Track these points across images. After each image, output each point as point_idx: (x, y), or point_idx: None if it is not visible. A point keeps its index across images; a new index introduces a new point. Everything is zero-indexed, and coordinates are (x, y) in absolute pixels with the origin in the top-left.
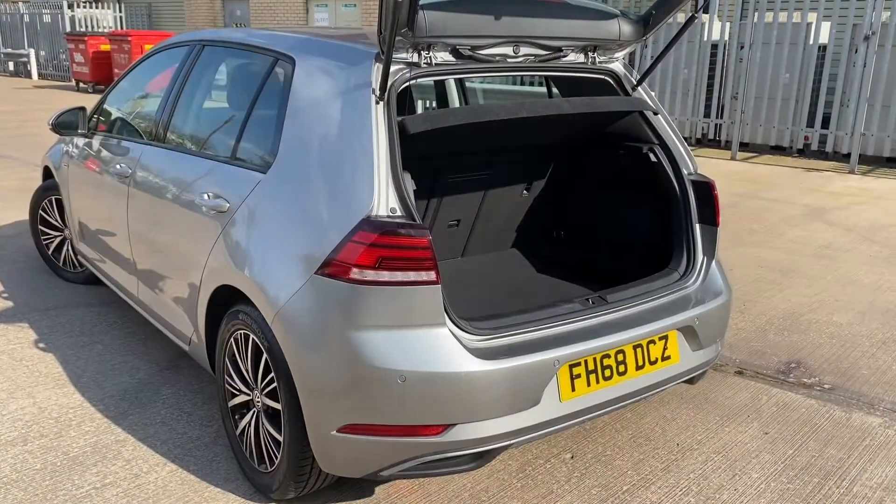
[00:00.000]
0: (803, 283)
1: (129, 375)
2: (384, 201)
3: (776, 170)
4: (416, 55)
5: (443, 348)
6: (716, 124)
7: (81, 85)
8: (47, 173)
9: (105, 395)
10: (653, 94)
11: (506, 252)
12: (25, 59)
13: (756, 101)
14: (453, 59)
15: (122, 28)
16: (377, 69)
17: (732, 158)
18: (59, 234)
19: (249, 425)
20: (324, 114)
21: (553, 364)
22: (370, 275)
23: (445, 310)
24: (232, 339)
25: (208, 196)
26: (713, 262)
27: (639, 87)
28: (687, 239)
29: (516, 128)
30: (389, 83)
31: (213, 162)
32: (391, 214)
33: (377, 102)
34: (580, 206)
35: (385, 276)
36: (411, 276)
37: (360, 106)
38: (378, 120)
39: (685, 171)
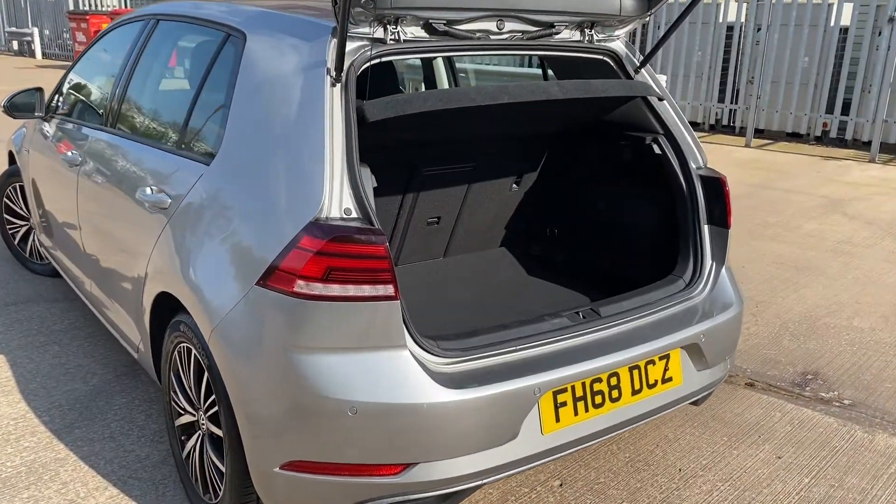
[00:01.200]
0: (821, 283)
1: (83, 381)
2: (337, 201)
3: (793, 158)
4: (380, 30)
5: (402, 375)
6: (730, 110)
7: None
8: (12, 158)
9: (53, 404)
10: (659, 77)
11: (493, 251)
12: (29, 39)
13: (773, 85)
14: (426, 34)
15: (125, 7)
16: (333, 46)
17: (747, 146)
18: (25, 223)
19: (195, 449)
20: (273, 98)
21: (534, 392)
22: (318, 288)
23: (407, 329)
24: (176, 353)
25: (151, 190)
26: (723, 269)
27: (642, 70)
28: (694, 242)
29: (501, 115)
30: (347, 63)
31: (159, 151)
32: (345, 217)
33: (333, 85)
34: (576, 201)
35: (335, 289)
36: (365, 290)
37: (312, 89)
38: (332, 105)
39: (693, 165)
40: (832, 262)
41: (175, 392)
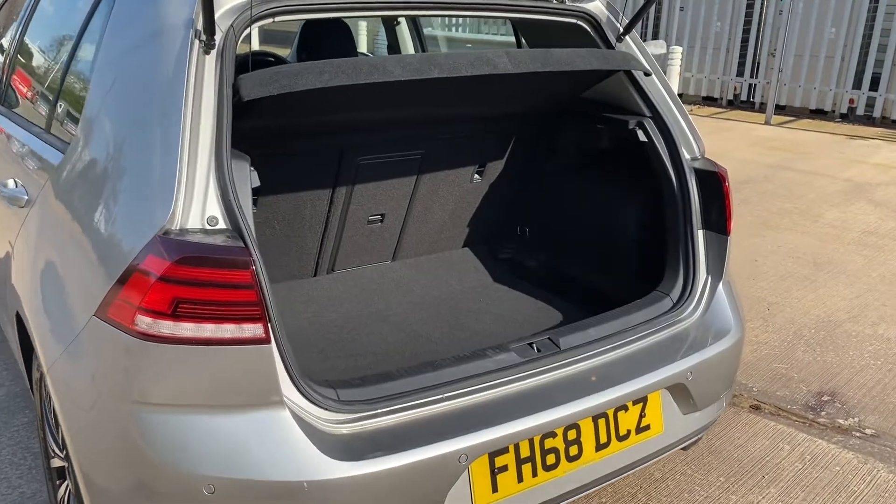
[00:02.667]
0: (842, 281)
1: None
2: (198, 207)
3: (815, 136)
4: None
5: (278, 442)
6: (750, 84)
7: None
8: None
9: None
10: (653, 46)
11: (453, 253)
12: None
13: (796, 58)
14: None
15: None
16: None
17: (766, 123)
18: None
19: (66, 498)
20: (132, 69)
21: (459, 459)
22: (165, 326)
23: (290, 377)
24: (40, 385)
25: (14, 182)
26: (720, 285)
27: (626, 38)
28: (685, 250)
29: (450, 93)
30: (225, 24)
31: (29, 133)
32: (208, 227)
33: (206, 52)
34: (549, 197)
35: (186, 328)
36: (227, 329)
37: (172, 58)
38: (200, 80)
39: (686, 155)
40: (855, 257)
41: (49, 428)
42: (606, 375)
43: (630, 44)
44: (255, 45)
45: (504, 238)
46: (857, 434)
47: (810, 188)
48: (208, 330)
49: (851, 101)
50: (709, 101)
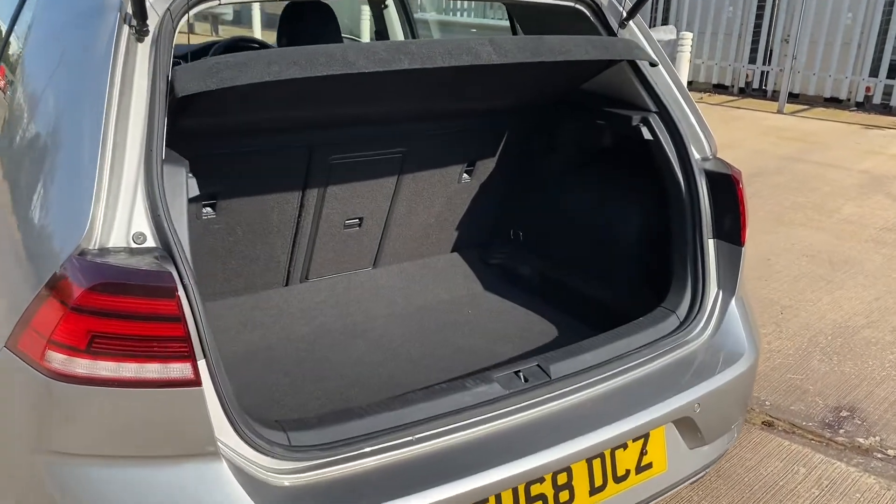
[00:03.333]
0: (860, 282)
1: None
2: (123, 221)
3: (830, 126)
4: None
5: (212, 499)
6: (762, 71)
7: None
8: None
9: None
10: (662, 33)
11: (441, 259)
12: None
13: (811, 45)
14: None
15: None
16: None
17: (779, 111)
18: None
19: None
20: (53, 58)
21: None
22: (81, 364)
23: (230, 421)
24: None
25: None
26: (733, 301)
27: (630, 23)
28: (693, 262)
29: (432, 85)
30: (161, 8)
31: None
32: (133, 246)
33: (139, 40)
34: (545, 198)
35: (104, 368)
36: (151, 370)
37: (97, 47)
38: (129, 72)
39: (696, 155)
40: (873, 256)
41: None
42: (603, 410)
43: (634, 30)
44: (258, 31)
45: (496, 242)
46: (879, 455)
47: (825, 181)
48: (129, 370)
49: (868, 89)
50: (720, 88)
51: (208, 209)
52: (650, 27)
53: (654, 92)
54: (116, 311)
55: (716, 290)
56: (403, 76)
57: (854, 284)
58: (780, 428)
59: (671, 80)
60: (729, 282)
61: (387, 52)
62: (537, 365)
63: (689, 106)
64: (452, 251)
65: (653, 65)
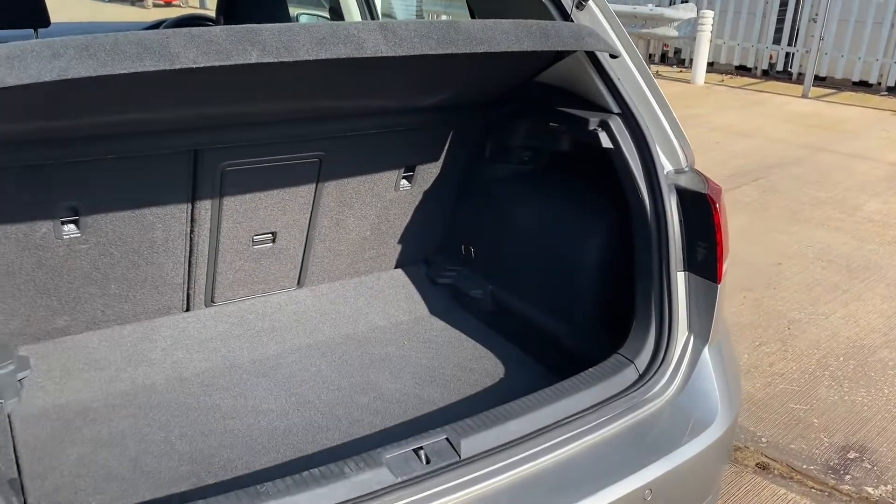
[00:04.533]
0: (879, 292)
1: None
2: None
3: (858, 112)
4: None
5: None
6: (787, 53)
7: None
8: None
9: None
10: (678, 10)
11: (380, 276)
12: None
13: (840, 25)
14: None
15: None
16: None
17: (804, 96)
18: None
19: None
20: None
21: None
22: None
23: None
24: None
25: None
26: (705, 349)
27: (590, 3)
28: (658, 299)
29: (311, 82)
30: None
31: None
32: None
33: None
34: (498, 209)
35: None
36: None
37: None
38: None
39: (667, 167)
40: None
41: None
42: (527, 500)
43: (595, 11)
44: None
45: (446, 258)
46: None
47: (849, 173)
48: None
49: None
50: (742, 70)
51: (70, 227)
52: (670, 5)
53: (617, 90)
54: None
55: (685, 334)
56: (289, 67)
57: (873, 295)
58: (776, 472)
59: (639, 74)
60: (702, 325)
61: (229, 41)
62: (446, 439)
63: (661, 107)
64: (396, 267)
65: (613, 56)
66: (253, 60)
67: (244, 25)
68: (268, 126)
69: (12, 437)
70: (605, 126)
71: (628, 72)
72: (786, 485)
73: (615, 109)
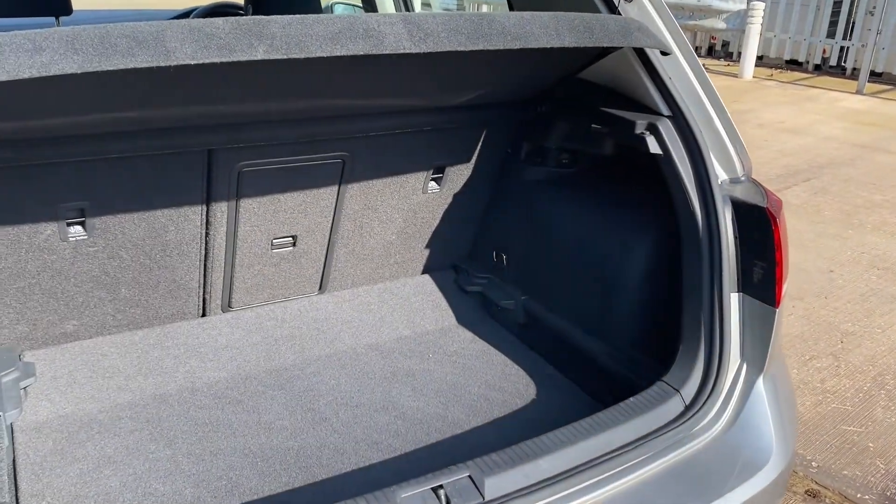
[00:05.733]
0: None
1: None
2: None
3: None
4: None
5: None
6: (841, 47)
7: None
8: None
9: None
10: (727, 1)
11: (406, 283)
12: None
13: None
14: None
15: None
16: None
17: (858, 92)
18: None
19: None
20: None
21: None
22: None
23: None
24: None
25: None
26: (759, 380)
27: None
28: (709, 323)
29: (329, 81)
30: None
31: None
32: None
33: None
34: (533, 215)
35: None
36: None
37: None
38: None
39: (722, 177)
40: None
41: None
42: None
43: (644, 3)
44: None
45: (476, 265)
46: None
47: None
48: None
49: None
50: (792, 64)
51: (76, 228)
52: None
53: (668, 90)
54: None
55: (738, 362)
56: (307, 63)
57: None
58: (827, 500)
59: (692, 73)
60: (756, 353)
61: (232, 34)
62: (469, 476)
63: (716, 109)
64: (423, 273)
65: (664, 53)
66: (259, 57)
67: (250, 17)
68: (287, 125)
69: (13, 450)
70: (653, 129)
71: (680, 70)
72: None
73: (665, 111)
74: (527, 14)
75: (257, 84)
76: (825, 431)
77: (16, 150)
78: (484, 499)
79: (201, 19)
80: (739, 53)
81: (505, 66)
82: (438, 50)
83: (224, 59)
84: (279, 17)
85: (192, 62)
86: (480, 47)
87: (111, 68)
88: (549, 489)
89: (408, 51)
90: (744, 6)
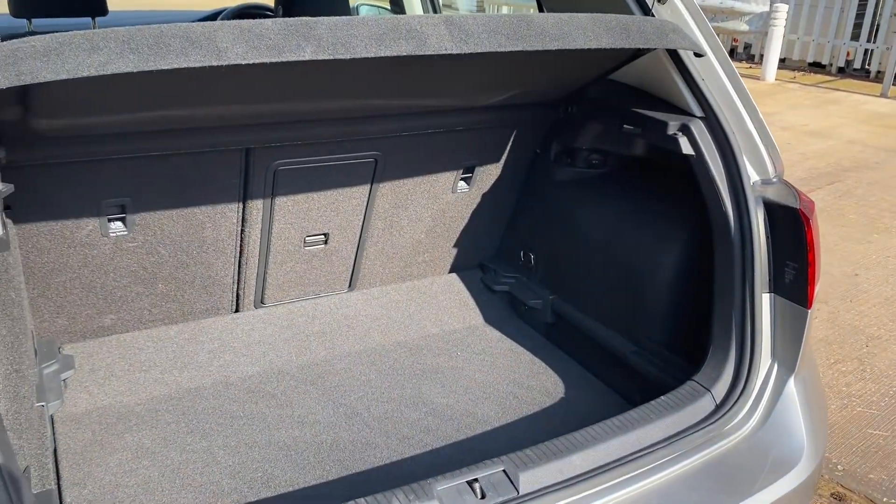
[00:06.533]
0: None
1: None
2: None
3: None
4: None
5: None
6: (866, 50)
7: None
8: None
9: None
10: (750, 3)
11: (434, 281)
12: None
13: None
14: None
15: None
16: None
17: (882, 95)
18: None
19: None
20: None
21: None
22: None
23: None
24: None
25: None
26: (790, 380)
27: None
28: (740, 323)
29: (368, 79)
30: None
31: None
32: None
33: None
34: (561, 216)
35: None
36: None
37: None
38: None
39: (754, 178)
40: None
41: None
42: None
43: (678, 6)
44: None
45: (503, 264)
46: None
47: None
48: None
49: None
50: (816, 67)
51: (117, 224)
52: None
53: (700, 91)
54: None
55: (769, 362)
56: (348, 64)
57: None
58: (853, 502)
59: (725, 75)
60: (788, 353)
61: (281, 35)
62: (503, 471)
63: (748, 110)
64: (450, 272)
65: (698, 55)
66: (307, 57)
67: (298, 18)
68: (322, 124)
69: (54, 440)
70: (685, 130)
71: (713, 72)
72: None
73: (697, 113)
74: (564, 15)
75: (298, 84)
76: (851, 435)
77: (63, 147)
78: (518, 493)
79: (250, 20)
80: (761, 56)
81: (540, 67)
82: (479, 51)
83: (273, 60)
84: (325, 18)
85: (243, 62)
86: (520, 48)
87: (166, 67)
88: (582, 485)
89: (449, 51)
90: (766, 8)
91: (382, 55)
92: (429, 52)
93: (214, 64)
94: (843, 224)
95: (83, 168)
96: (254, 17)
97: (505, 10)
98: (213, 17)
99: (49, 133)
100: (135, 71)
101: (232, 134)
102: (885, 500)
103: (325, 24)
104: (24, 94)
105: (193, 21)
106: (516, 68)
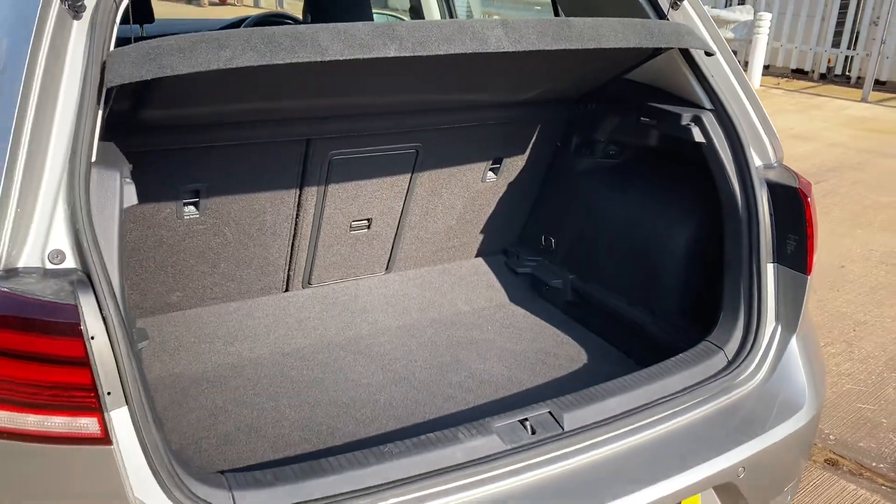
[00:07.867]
0: None
1: None
2: (38, 235)
3: None
4: None
5: None
6: (846, 56)
7: None
8: None
9: None
10: (739, 13)
11: (462, 265)
12: None
13: None
14: None
15: None
16: None
17: (863, 100)
18: None
19: None
20: None
21: None
22: None
23: (159, 478)
24: None
25: None
26: (793, 339)
27: (684, 3)
28: (748, 290)
29: (429, 75)
30: None
31: None
32: (49, 266)
33: (76, 17)
34: (581, 202)
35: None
36: (56, 423)
37: (23, 25)
38: (50, 56)
39: (758, 162)
40: None
41: None
42: (627, 472)
43: (689, 12)
44: None
45: (525, 249)
46: None
47: None
48: (30, 422)
49: None
50: (798, 74)
51: (191, 208)
52: (726, 7)
53: (710, 86)
54: (11, 350)
55: (773, 324)
56: (407, 63)
57: None
58: (845, 468)
59: (731, 72)
60: (790, 315)
61: (370, 35)
62: (549, 412)
63: (752, 103)
64: (476, 256)
65: (709, 54)
66: (392, 54)
67: (382, 23)
68: (373, 118)
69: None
70: (697, 121)
71: (720, 69)
72: (855, 481)
73: (707, 105)
74: (599, 19)
75: (370, 79)
76: (841, 409)
77: (158, 136)
78: (563, 429)
79: (341, 23)
80: (746, 63)
81: (572, 65)
82: (531, 49)
83: (364, 56)
84: (404, 21)
85: (342, 58)
86: (564, 47)
87: (280, 62)
88: (617, 423)
89: (506, 49)
90: (751, 17)
91: (451, 52)
92: (490, 50)
93: (319, 59)
94: (829, 220)
95: (171, 155)
96: (275, 24)
97: (496, 17)
98: (235, 25)
99: (151, 123)
100: (254, 65)
101: (297, 126)
102: (874, 464)
103: (404, 26)
104: (144, 88)
105: (217, 29)
106: (549, 66)
